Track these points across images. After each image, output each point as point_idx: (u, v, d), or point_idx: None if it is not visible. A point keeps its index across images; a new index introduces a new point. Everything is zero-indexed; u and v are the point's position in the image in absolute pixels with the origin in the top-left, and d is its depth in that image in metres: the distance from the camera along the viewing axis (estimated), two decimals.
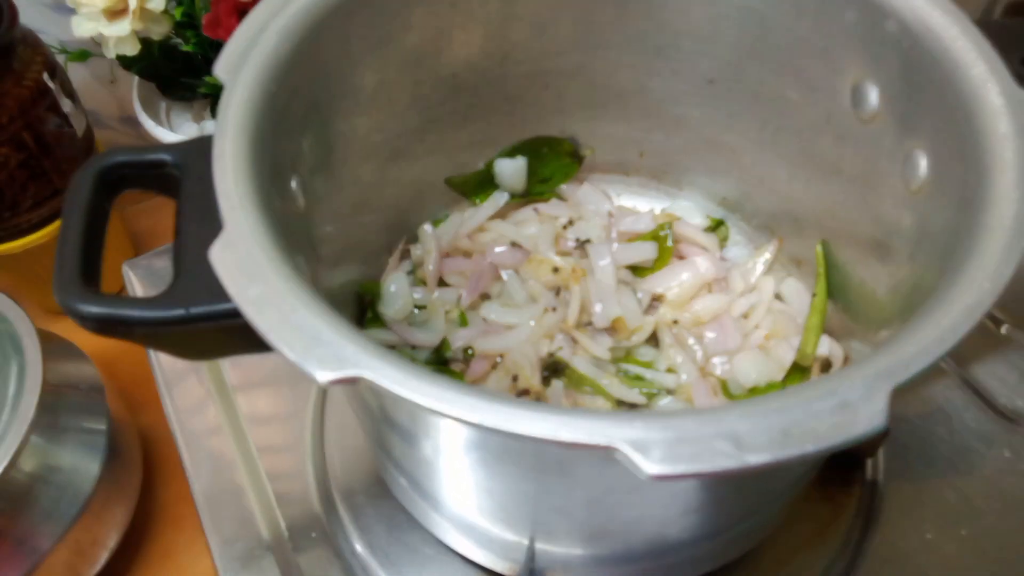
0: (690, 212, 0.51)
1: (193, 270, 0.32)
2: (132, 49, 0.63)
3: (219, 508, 0.48)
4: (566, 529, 0.38)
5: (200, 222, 0.34)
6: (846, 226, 0.43)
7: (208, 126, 0.70)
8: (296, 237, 0.34)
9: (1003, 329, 0.53)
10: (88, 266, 0.32)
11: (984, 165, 0.30)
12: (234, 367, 0.54)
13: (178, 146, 0.36)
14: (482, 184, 0.52)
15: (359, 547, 0.46)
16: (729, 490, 0.34)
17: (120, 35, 0.61)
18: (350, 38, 0.39)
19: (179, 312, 0.31)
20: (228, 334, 0.32)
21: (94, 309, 0.31)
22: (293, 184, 0.36)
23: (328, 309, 0.27)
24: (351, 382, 0.26)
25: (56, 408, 0.53)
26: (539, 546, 0.39)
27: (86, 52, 0.68)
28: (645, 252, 0.49)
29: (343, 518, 0.47)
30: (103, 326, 0.31)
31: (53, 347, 0.58)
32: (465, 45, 0.44)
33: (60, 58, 0.65)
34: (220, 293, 0.31)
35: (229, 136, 0.32)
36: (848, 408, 0.25)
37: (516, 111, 0.49)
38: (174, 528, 0.60)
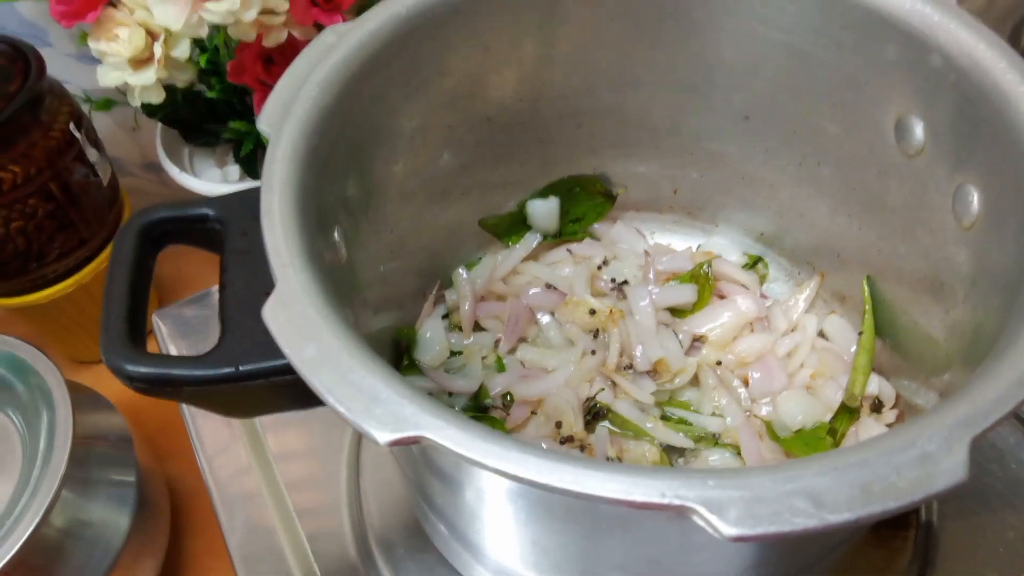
0: (726, 249, 0.51)
1: (241, 326, 0.32)
2: (157, 97, 0.63)
3: (255, 563, 0.47)
4: None
5: (245, 277, 0.33)
6: (893, 261, 0.42)
7: (231, 171, 0.70)
8: (341, 289, 0.34)
9: None
10: (134, 325, 0.32)
11: None
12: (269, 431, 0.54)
13: (219, 200, 0.36)
14: (515, 225, 0.51)
15: None
16: (794, 544, 0.33)
17: (146, 84, 0.62)
18: (389, 86, 0.38)
19: (228, 370, 0.30)
20: (277, 391, 0.31)
21: (143, 370, 0.30)
22: (336, 235, 0.36)
23: (385, 366, 0.27)
24: (413, 442, 0.25)
25: (86, 461, 0.53)
26: None
27: (110, 101, 0.69)
28: (686, 295, 0.48)
29: (382, 571, 0.46)
30: (152, 386, 0.30)
31: (80, 398, 0.57)
32: (499, 88, 0.44)
33: (84, 107, 0.66)
34: (269, 350, 0.31)
35: (276, 191, 0.31)
36: (928, 461, 0.24)
37: (548, 151, 0.48)
38: None
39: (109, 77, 0.62)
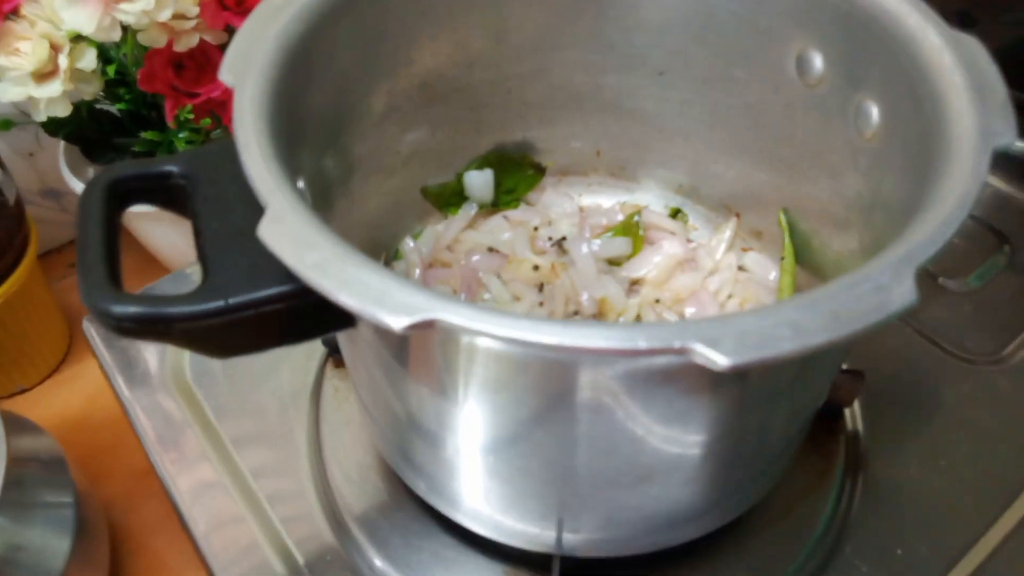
0: (649, 204, 0.55)
1: (223, 264, 0.32)
2: (64, 110, 0.61)
3: (231, 565, 0.46)
4: (592, 505, 0.39)
5: (220, 219, 0.34)
6: (804, 190, 0.47)
7: None
8: None
9: (939, 281, 0.59)
10: (112, 271, 0.32)
11: (938, 94, 0.34)
12: (222, 418, 0.53)
13: (183, 155, 0.36)
14: (453, 196, 0.53)
15: (378, 562, 0.45)
16: (753, 435, 0.36)
17: (51, 96, 0.60)
18: (336, 46, 0.40)
19: (219, 304, 0.31)
20: (268, 323, 0.32)
21: (131, 309, 0.30)
22: (301, 184, 0.37)
23: (385, 268, 0.28)
24: (427, 326, 0.26)
25: (21, 483, 0.51)
26: (567, 535, 0.40)
27: (9, 121, 0.66)
28: (621, 247, 0.52)
29: (357, 538, 0.46)
30: (141, 326, 0.30)
31: (7, 422, 0.55)
32: (434, 54, 0.46)
33: None
34: (257, 281, 0.32)
35: (250, 129, 0.32)
36: (883, 290, 0.27)
37: (481, 118, 0.51)
38: None
39: (11, 92, 0.60)
